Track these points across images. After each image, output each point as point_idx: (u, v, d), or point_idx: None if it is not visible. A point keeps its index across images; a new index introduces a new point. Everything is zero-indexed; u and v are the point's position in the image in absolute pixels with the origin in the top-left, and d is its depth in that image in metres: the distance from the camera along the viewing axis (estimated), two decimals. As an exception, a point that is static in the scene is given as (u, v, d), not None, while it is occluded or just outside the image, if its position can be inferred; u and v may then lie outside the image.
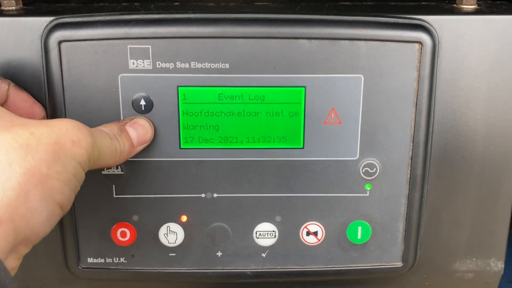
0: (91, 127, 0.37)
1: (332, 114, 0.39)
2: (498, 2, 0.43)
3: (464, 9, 0.40)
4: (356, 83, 0.39)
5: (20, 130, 0.29)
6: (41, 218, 0.29)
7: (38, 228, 0.29)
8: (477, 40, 0.39)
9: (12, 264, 0.29)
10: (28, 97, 0.38)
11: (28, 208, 0.28)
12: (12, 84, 0.37)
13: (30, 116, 0.38)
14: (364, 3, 0.43)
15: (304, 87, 0.39)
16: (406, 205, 0.42)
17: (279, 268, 0.43)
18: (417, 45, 0.38)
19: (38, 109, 0.39)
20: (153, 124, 0.39)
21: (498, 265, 0.45)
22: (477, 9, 0.40)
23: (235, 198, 0.41)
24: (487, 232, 0.44)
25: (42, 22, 0.38)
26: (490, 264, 0.45)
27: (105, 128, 0.36)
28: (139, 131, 0.38)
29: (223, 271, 0.43)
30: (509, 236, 0.45)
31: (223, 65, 0.38)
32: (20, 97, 0.38)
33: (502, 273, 0.46)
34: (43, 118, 0.39)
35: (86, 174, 0.33)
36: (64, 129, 0.31)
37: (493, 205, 0.43)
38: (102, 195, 0.41)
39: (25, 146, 0.28)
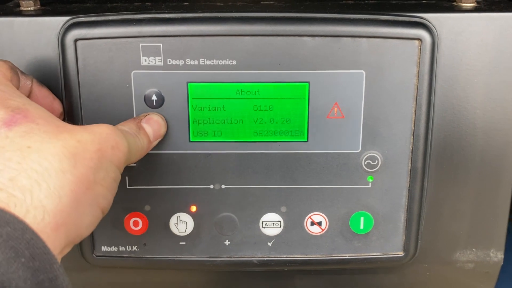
0: (106, 121, 0.39)
1: (335, 109, 0.41)
2: (497, 0, 0.44)
3: (463, 7, 0.42)
4: (358, 78, 0.40)
5: (68, 137, 0.30)
6: (87, 222, 0.31)
7: (83, 231, 0.31)
8: (476, 37, 0.40)
9: None
10: (49, 93, 0.40)
11: (78, 214, 0.29)
12: (34, 80, 0.39)
13: (50, 111, 0.40)
14: (366, 1, 0.45)
15: (308, 82, 0.40)
16: (407, 197, 0.43)
17: (284, 256, 0.44)
18: (416, 42, 0.40)
19: (58, 104, 0.40)
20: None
21: (497, 255, 0.46)
22: (476, 7, 0.42)
23: (242, 189, 0.43)
24: (487, 223, 0.45)
25: (59, 21, 0.40)
26: (489, 254, 0.46)
27: (125, 127, 0.37)
28: (154, 126, 0.39)
29: (231, 259, 0.44)
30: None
31: (231, 62, 0.40)
32: (42, 93, 0.39)
33: (502, 263, 0.47)
34: (61, 114, 0.41)
35: None
36: (104, 135, 0.32)
37: (493, 197, 0.44)
38: (115, 186, 0.42)
39: (74, 154, 0.30)
